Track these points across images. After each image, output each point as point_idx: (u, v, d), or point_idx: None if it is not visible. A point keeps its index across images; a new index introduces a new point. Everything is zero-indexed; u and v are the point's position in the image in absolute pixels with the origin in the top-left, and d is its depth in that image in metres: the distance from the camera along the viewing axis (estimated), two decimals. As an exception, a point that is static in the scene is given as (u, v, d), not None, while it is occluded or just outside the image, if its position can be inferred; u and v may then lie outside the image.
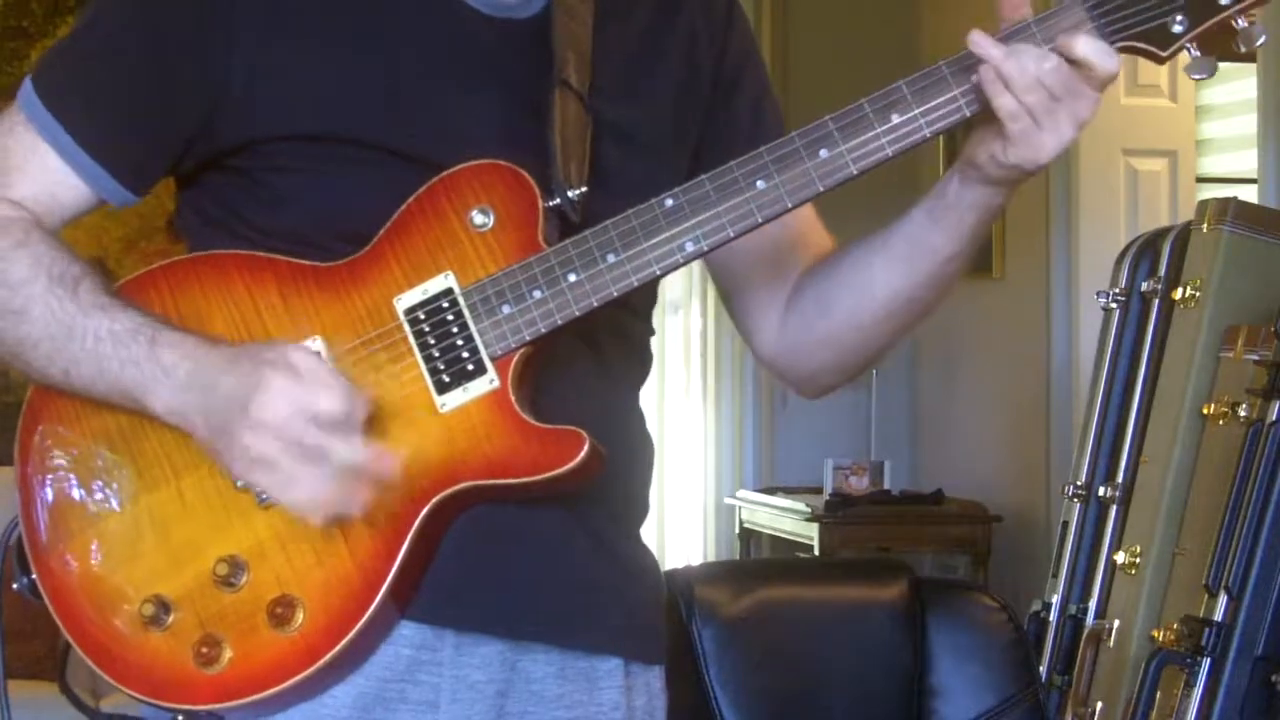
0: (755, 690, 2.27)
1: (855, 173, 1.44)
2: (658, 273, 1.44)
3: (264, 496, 1.43)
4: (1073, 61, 1.40)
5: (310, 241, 1.47)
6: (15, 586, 1.48)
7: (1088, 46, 1.39)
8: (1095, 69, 1.40)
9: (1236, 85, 5.50)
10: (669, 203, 1.44)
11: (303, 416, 1.35)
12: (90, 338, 1.43)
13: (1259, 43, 1.41)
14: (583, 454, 1.41)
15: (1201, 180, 5.64)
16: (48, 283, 1.45)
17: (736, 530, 5.94)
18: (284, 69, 1.47)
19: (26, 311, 1.45)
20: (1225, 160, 5.92)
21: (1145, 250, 3.47)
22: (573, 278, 1.43)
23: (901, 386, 6.01)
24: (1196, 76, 1.44)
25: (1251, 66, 4.42)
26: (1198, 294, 3.28)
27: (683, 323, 6.28)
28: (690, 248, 1.44)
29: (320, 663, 1.41)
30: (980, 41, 1.41)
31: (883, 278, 1.56)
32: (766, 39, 5.95)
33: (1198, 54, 1.43)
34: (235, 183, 1.51)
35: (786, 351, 1.65)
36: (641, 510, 1.61)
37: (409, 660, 1.46)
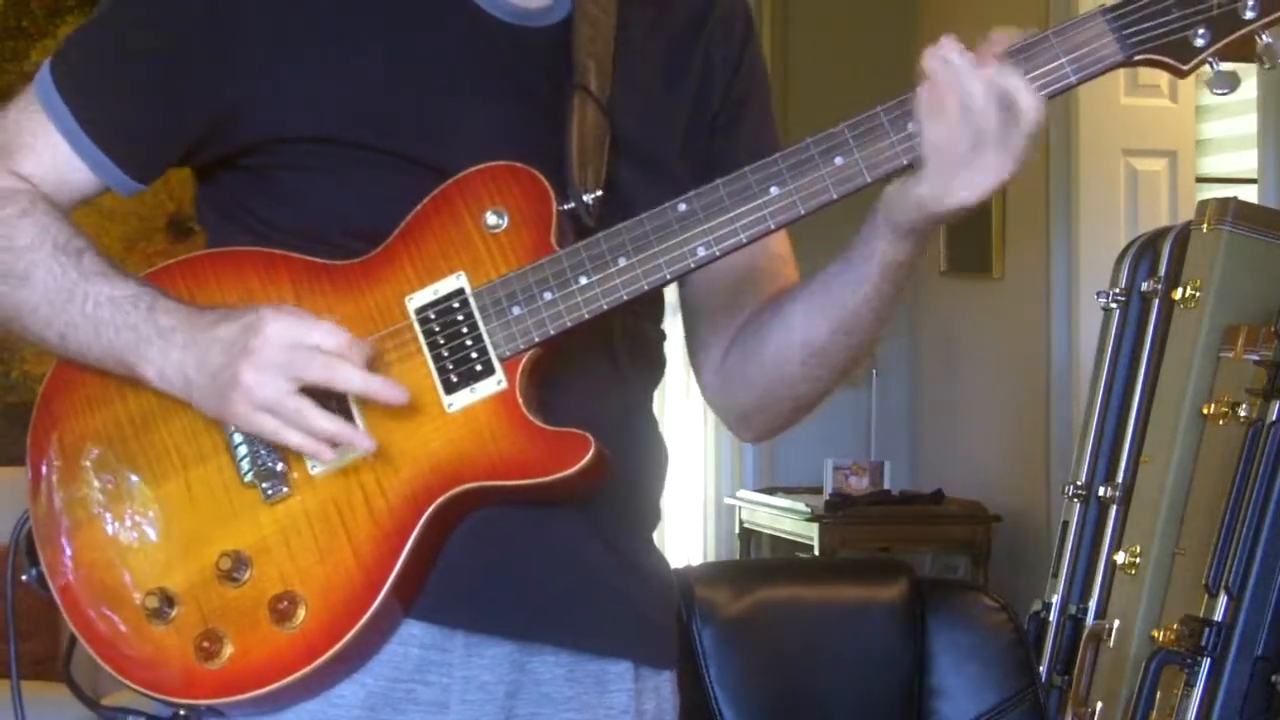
0: (755, 690, 2.27)
1: (869, 180, 1.42)
2: (668, 277, 1.44)
3: (269, 488, 1.43)
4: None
5: (323, 239, 1.48)
6: (24, 578, 1.49)
7: (1019, 81, 1.36)
8: (1021, 108, 1.36)
9: (1236, 85, 5.50)
10: (682, 207, 1.44)
11: (304, 350, 1.37)
12: (90, 302, 1.45)
13: None
14: (588, 457, 1.41)
15: (1201, 180, 5.63)
16: (52, 249, 1.47)
17: (736, 530, 5.94)
18: (298, 73, 1.47)
19: (29, 276, 1.47)
20: (1225, 160, 5.92)
21: (1145, 250, 3.47)
22: (584, 280, 1.43)
23: (901, 386, 6.01)
24: (1219, 91, 1.42)
25: (1252, 67, 4.42)
26: (1198, 294, 3.28)
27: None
28: (702, 252, 1.44)
29: (320, 660, 1.41)
30: (943, 46, 1.39)
31: (800, 324, 1.54)
32: (766, 39, 5.95)
33: (1220, 68, 1.41)
34: (249, 181, 1.52)
35: (721, 388, 1.64)
36: (654, 514, 1.61)
37: (418, 660, 1.46)
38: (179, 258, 1.51)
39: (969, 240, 5.57)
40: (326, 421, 1.38)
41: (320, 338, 1.38)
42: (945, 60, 1.38)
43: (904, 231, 1.45)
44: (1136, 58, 1.41)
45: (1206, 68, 1.42)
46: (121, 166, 1.52)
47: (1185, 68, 1.41)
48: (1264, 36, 1.40)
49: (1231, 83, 1.41)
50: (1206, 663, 3.05)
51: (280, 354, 1.37)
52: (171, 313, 1.44)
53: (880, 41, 5.73)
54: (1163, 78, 5.29)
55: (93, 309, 1.45)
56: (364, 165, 1.47)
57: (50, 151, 1.51)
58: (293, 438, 1.39)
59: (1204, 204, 3.40)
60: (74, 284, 1.46)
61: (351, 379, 1.38)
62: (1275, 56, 1.40)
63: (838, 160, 1.42)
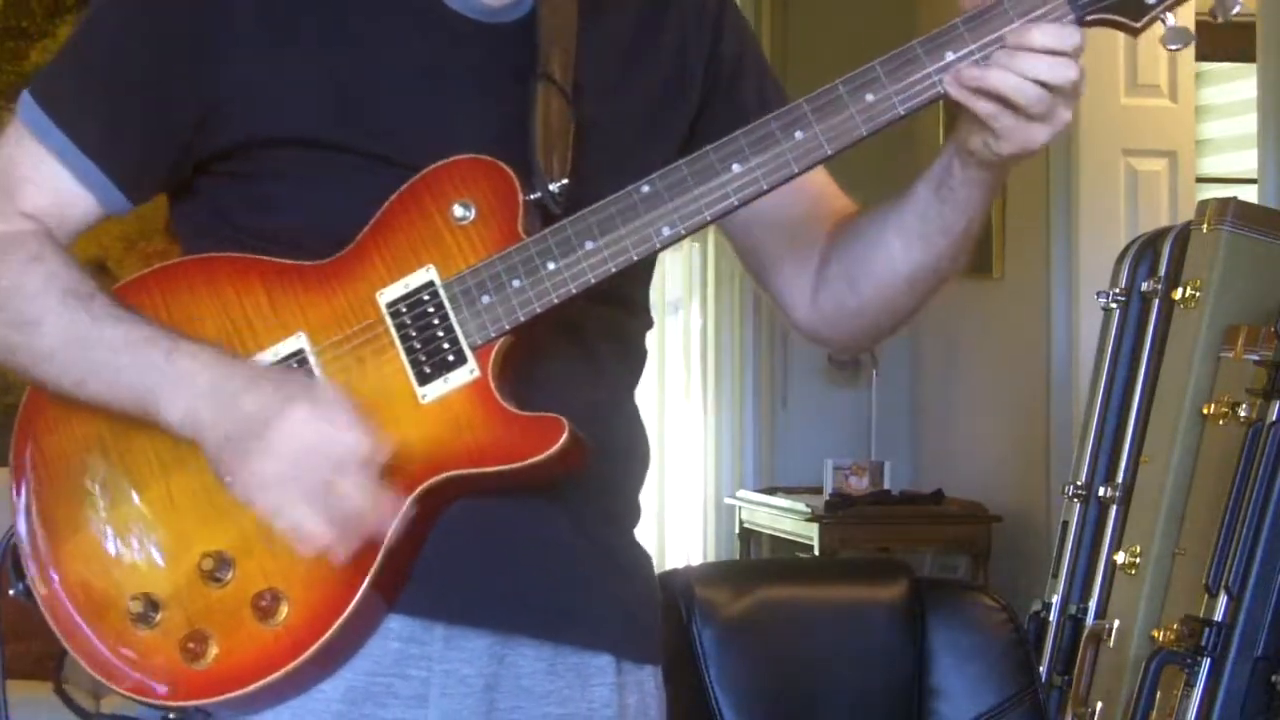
0: (755, 690, 2.27)
1: (830, 152, 1.43)
2: (635, 258, 1.44)
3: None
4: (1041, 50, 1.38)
5: (300, 245, 1.48)
6: (11, 592, 1.48)
7: (1046, 36, 1.38)
8: (1066, 50, 1.38)
9: (1236, 85, 5.51)
10: (645, 189, 1.44)
11: (321, 453, 1.37)
12: (105, 347, 1.44)
13: (1234, 11, 1.39)
14: (562, 440, 1.41)
15: (1201, 180, 5.64)
16: (61, 295, 1.46)
17: (736, 530, 5.94)
18: (270, 76, 1.47)
19: (40, 323, 1.46)
20: (1225, 160, 5.93)
21: (1145, 250, 3.47)
22: (551, 266, 1.44)
23: (901, 386, 6.02)
24: (1173, 47, 1.41)
25: (1251, 67, 4.42)
26: (1198, 294, 3.28)
27: (682, 322, 6.27)
28: (667, 232, 1.44)
29: (304, 656, 1.41)
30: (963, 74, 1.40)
31: (903, 255, 1.56)
32: (766, 39, 5.95)
33: (1173, 24, 1.40)
34: (224, 187, 1.52)
35: (823, 324, 1.66)
36: (635, 509, 1.61)
37: (397, 653, 1.46)
38: (152, 267, 1.51)
39: (969, 240, 5.57)
40: (311, 525, 1.38)
41: (347, 445, 1.37)
42: (980, 86, 1.40)
43: (997, 167, 1.47)
44: (1088, 18, 1.40)
45: (1159, 25, 1.41)
46: (116, 181, 1.51)
47: (1138, 25, 1.41)
48: None
49: (1185, 38, 1.41)
50: (1206, 663, 3.05)
51: (293, 455, 1.37)
52: (193, 356, 1.42)
53: (880, 40, 5.73)
54: (1163, 77, 5.30)
55: (108, 354, 1.43)
56: (337, 167, 1.47)
57: (48, 179, 1.50)
58: (282, 523, 1.39)
59: (1204, 204, 3.40)
60: (87, 328, 1.44)
61: (352, 498, 1.37)
62: (1228, 10, 1.40)
63: (798, 134, 1.43)
